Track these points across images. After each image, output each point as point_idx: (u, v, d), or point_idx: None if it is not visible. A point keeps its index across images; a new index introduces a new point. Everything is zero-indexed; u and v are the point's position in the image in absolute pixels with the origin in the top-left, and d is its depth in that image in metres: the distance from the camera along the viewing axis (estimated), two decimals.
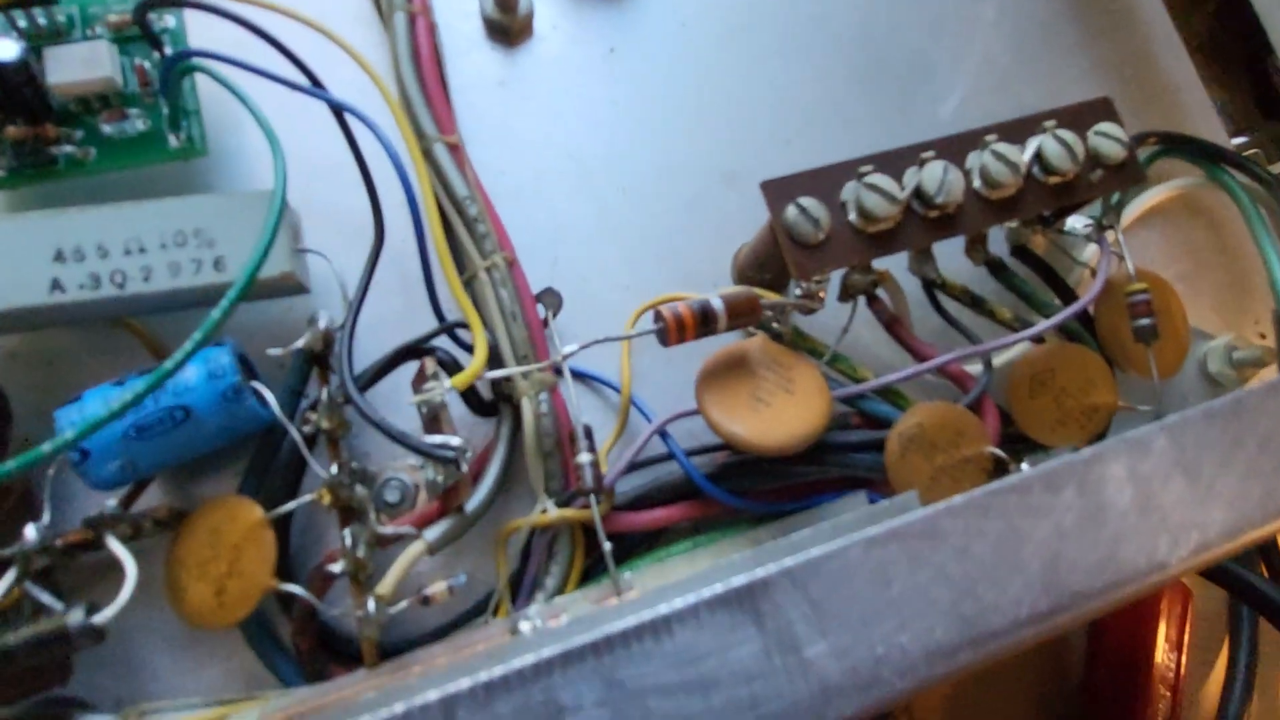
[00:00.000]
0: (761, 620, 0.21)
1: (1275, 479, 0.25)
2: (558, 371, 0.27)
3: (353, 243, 0.27)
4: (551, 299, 0.30)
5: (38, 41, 0.26)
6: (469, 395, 0.27)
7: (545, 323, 0.29)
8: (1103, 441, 0.24)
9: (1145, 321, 0.30)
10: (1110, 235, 0.31)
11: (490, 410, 0.28)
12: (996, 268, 0.32)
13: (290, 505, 0.24)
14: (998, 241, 0.34)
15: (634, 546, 0.29)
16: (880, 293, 0.31)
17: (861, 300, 0.31)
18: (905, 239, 0.28)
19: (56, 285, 0.24)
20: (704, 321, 0.26)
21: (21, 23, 0.26)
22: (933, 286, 0.31)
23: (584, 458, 0.25)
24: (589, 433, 0.26)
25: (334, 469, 0.24)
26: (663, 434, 0.28)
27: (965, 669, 0.22)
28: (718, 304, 0.26)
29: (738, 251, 0.33)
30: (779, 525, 0.28)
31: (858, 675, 0.20)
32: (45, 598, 0.22)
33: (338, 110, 0.26)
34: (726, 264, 0.33)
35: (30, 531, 0.22)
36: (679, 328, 0.25)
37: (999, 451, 0.28)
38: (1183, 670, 0.38)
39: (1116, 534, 0.24)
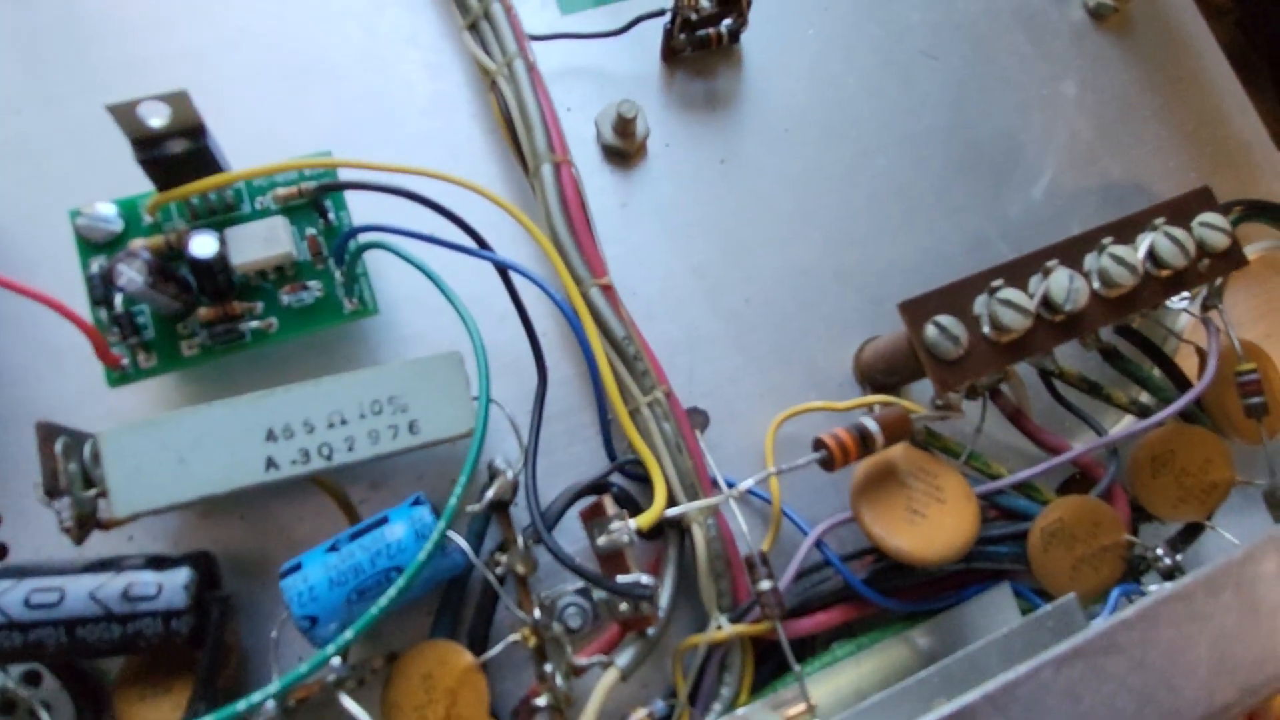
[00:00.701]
0: None
1: None
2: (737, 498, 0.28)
3: (509, 385, 0.29)
4: (699, 418, 0.31)
5: (213, 221, 0.28)
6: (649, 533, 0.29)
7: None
8: (1255, 542, 0.26)
9: (1256, 400, 0.32)
10: (1215, 316, 0.33)
11: (655, 533, 0.30)
12: (1110, 355, 0.33)
13: (497, 649, 0.26)
14: None
15: (794, 650, 0.30)
16: (1004, 387, 0.33)
17: (988, 395, 0.32)
18: (1036, 345, 0.30)
19: (271, 463, 0.25)
20: (863, 443, 0.27)
21: (195, 201, 0.28)
22: (1050, 376, 0.33)
23: (765, 585, 0.27)
24: (765, 559, 0.27)
25: (536, 613, 0.26)
26: (819, 544, 0.30)
27: None
28: (874, 427, 0.28)
29: (859, 351, 0.34)
30: (932, 623, 0.30)
31: None
32: None
33: (503, 269, 0.27)
34: (846, 361, 0.35)
35: (270, 705, 0.24)
36: (843, 453, 0.27)
37: (1135, 539, 0.30)
38: None
39: (1274, 628, 0.25)
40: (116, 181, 0.27)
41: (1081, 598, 0.30)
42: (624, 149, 0.34)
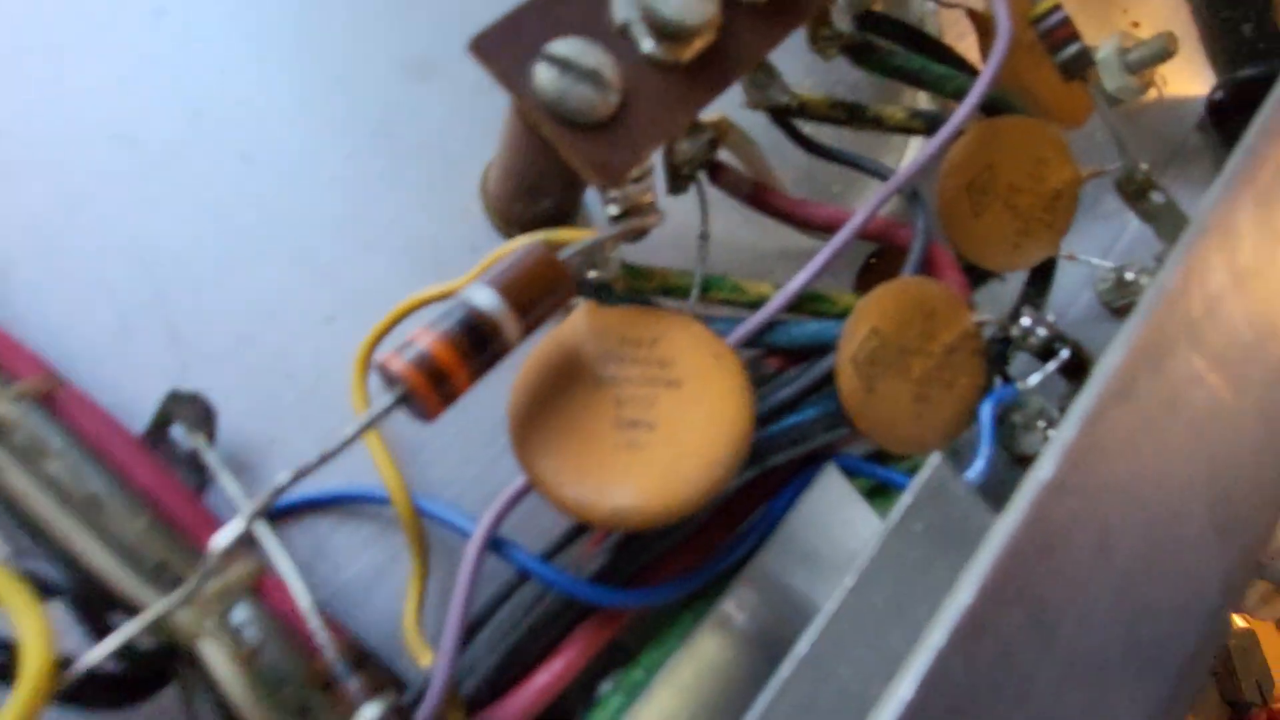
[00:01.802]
0: None
1: None
2: (253, 576, 0.13)
3: None
4: (189, 410, 0.15)
5: None
6: (87, 691, 0.13)
7: (194, 462, 0.15)
8: (1180, 248, 0.15)
9: (1074, 48, 0.21)
10: None
11: (152, 684, 0.14)
12: (859, 52, 0.21)
13: None
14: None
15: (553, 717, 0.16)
16: (723, 155, 0.19)
17: (703, 178, 0.19)
18: (743, 51, 0.16)
19: None
20: (477, 343, 0.13)
21: None
22: (788, 115, 0.20)
23: (370, 713, 0.12)
24: (358, 654, 0.13)
25: None
26: (496, 545, 0.16)
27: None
28: (488, 300, 0.13)
29: (483, 181, 0.19)
30: (741, 586, 0.17)
31: None
32: None
33: None
34: (472, 212, 0.20)
35: None
36: (435, 380, 0.12)
37: (987, 316, 0.18)
38: None
39: (1266, 371, 0.14)
40: None
41: (944, 439, 0.18)
42: None
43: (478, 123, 0.20)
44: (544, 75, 0.14)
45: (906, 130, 0.21)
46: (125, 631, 0.12)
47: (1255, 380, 0.14)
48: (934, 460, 0.15)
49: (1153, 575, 0.12)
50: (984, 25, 0.23)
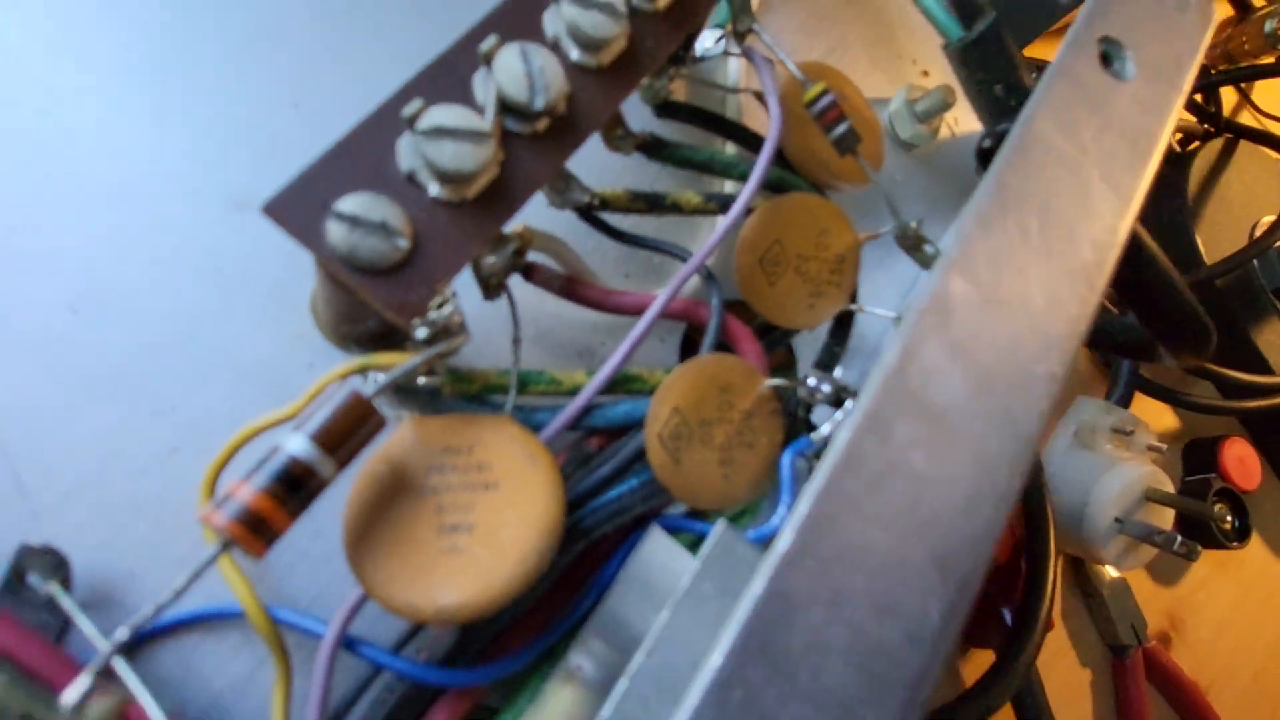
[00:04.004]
0: None
1: (1071, 252, 0.20)
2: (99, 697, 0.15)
3: None
4: (42, 561, 0.17)
5: None
6: None
7: (52, 607, 0.16)
8: (902, 329, 0.17)
9: (842, 128, 0.24)
10: (756, 40, 0.24)
11: None
12: (651, 148, 0.23)
13: None
14: (636, 111, 0.25)
15: None
16: (535, 256, 0.21)
17: (518, 279, 0.21)
18: (523, 181, 0.18)
19: None
20: (293, 488, 0.15)
21: None
22: (591, 210, 0.22)
23: None
24: None
25: None
26: (349, 643, 0.17)
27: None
28: (300, 447, 0.15)
29: (312, 304, 0.21)
30: (583, 639, 0.19)
31: None
32: None
33: None
34: (307, 333, 0.21)
35: None
36: (255, 530, 0.14)
37: (778, 380, 0.21)
38: None
39: (973, 438, 0.17)
40: None
41: (753, 493, 0.21)
42: None
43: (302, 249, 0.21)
44: (335, 232, 0.16)
45: (704, 212, 0.23)
46: None
47: (969, 434, 0.17)
48: (719, 527, 0.18)
49: (882, 616, 0.15)
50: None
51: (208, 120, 0.22)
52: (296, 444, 0.15)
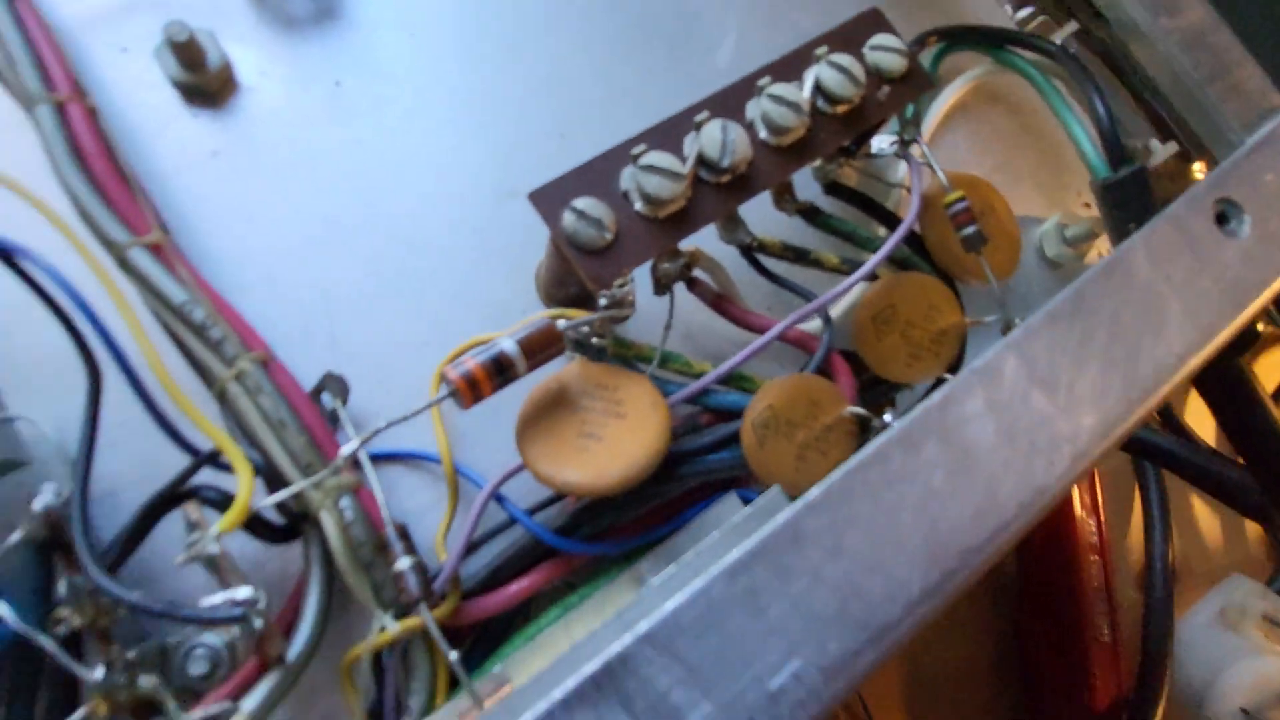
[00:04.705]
0: (630, 702, 0.18)
1: (1130, 365, 0.24)
2: (352, 468, 0.23)
3: (71, 395, 0.23)
4: (335, 385, 0.26)
5: None
6: (258, 527, 0.23)
7: (334, 416, 0.25)
8: (952, 380, 0.22)
9: (970, 230, 0.29)
10: (915, 149, 0.30)
11: (292, 533, 0.24)
12: (810, 214, 0.29)
13: None
14: (809, 184, 0.32)
15: (507, 628, 0.25)
16: (699, 273, 0.28)
17: (680, 286, 0.28)
18: (700, 215, 0.25)
19: None
20: (500, 371, 0.22)
21: None
22: (750, 250, 0.29)
23: (403, 563, 0.22)
24: (404, 532, 0.22)
25: (99, 673, 0.20)
26: (498, 498, 0.25)
27: (873, 669, 0.20)
28: (510, 347, 0.23)
29: (536, 271, 0.29)
30: (654, 554, 0.26)
31: None
32: None
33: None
34: (531, 288, 0.30)
35: None
36: (472, 386, 0.22)
37: (859, 410, 0.26)
38: (1104, 531, 0.37)
39: (990, 475, 0.22)
40: None
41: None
42: (199, 84, 0.28)
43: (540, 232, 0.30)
44: (568, 218, 0.24)
45: (839, 272, 0.29)
46: (283, 494, 0.22)
47: (987, 470, 0.21)
48: (773, 490, 0.23)
49: (870, 572, 0.20)
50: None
51: (498, 138, 0.31)
52: (508, 344, 0.23)
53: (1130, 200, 0.30)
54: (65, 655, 0.20)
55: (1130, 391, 0.23)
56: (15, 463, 0.22)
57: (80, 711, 0.20)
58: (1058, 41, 0.38)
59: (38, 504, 0.21)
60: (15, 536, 0.20)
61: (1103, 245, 0.36)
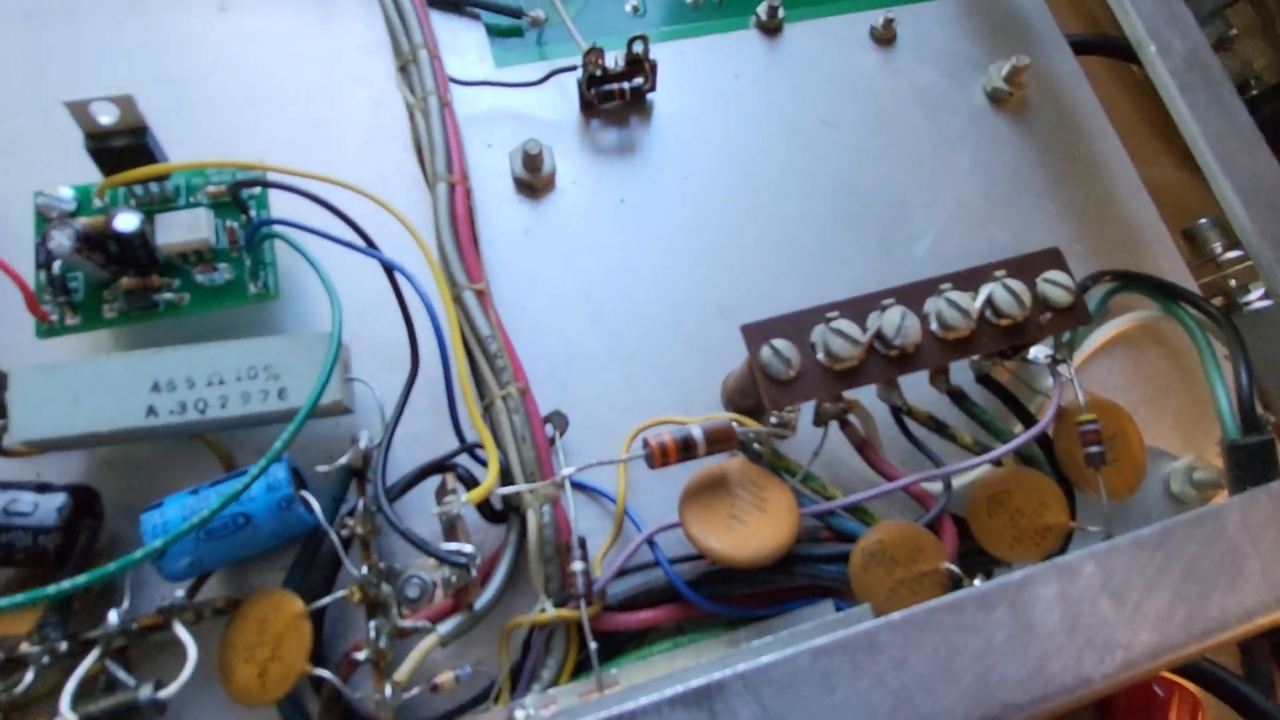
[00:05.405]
0: (715, 717, 0.24)
1: (1199, 603, 0.28)
2: (561, 487, 0.31)
3: (393, 373, 0.32)
4: (559, 420, 0.34)
5: (150, 208, 0.33)
6: (483, 506, 0.31)
7: (552, 442, 0.34)
8: (1034, 566, 0.27)
9: (1094, 449, 0.33)
10: (1063, 369, 0.35)
11: (502, 519, 0.32)
12: (958, 397, 0.35)
13: (326, 600, 0.29)
14: (963, 371, 0.38)
15: (624, 644, 0.32)
16: (852, 418, 0.35)
17: (835, 424, 0.34)
18: (867, 375, 0.32)
19: (151, 411, 0.29)
20: (684, 448, 0.30)
21: (138, 190, 0.33)
22: (899, 412, 0.35)
23: (577, 565, 0.29)
24: (583, 544, 0.30)
25: (364, 569, 0.29)
26: (651, 543, 0.32)
27: None
28: (697, 434, 0.30)
29: (726, 378, 0.37)
30: (755, 628, 0.32)
31: None
32: (121, 674, 0.27)
33: (387, 267, 0.31)
34: (717, 388, 0.37)
35: (113, 616, 0.27)
36: (662, 454, 0.30)
37: (954, 568, 0.32)
38: None
39: (1044, 652, 0.26)
40: (86, 173, 0.32)
41: None
42: (531, 182, 0.38)
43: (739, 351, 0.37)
44: (765, 352, 0.31)
45: (969, 450, 0.35)
46: (510, 489, 0.30)
47: (1044, 644, 0.26)
48: (863, 605, 0.29)
49: (925, 691, 0.25)
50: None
51: (727, 267, 0.39)
52: (696, 431, 0.30)
53: (1254, 464, 0.34)
54: (343, 551, 0.29)
55: (1192, 626, 0.27)
56: (348, 409, 0.32)
57: (340, 592, 0.29)
58: (1252, 296, 0.42)
59: (362, 442, 0.30)
60: (342, 460, 0.30)
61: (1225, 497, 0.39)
